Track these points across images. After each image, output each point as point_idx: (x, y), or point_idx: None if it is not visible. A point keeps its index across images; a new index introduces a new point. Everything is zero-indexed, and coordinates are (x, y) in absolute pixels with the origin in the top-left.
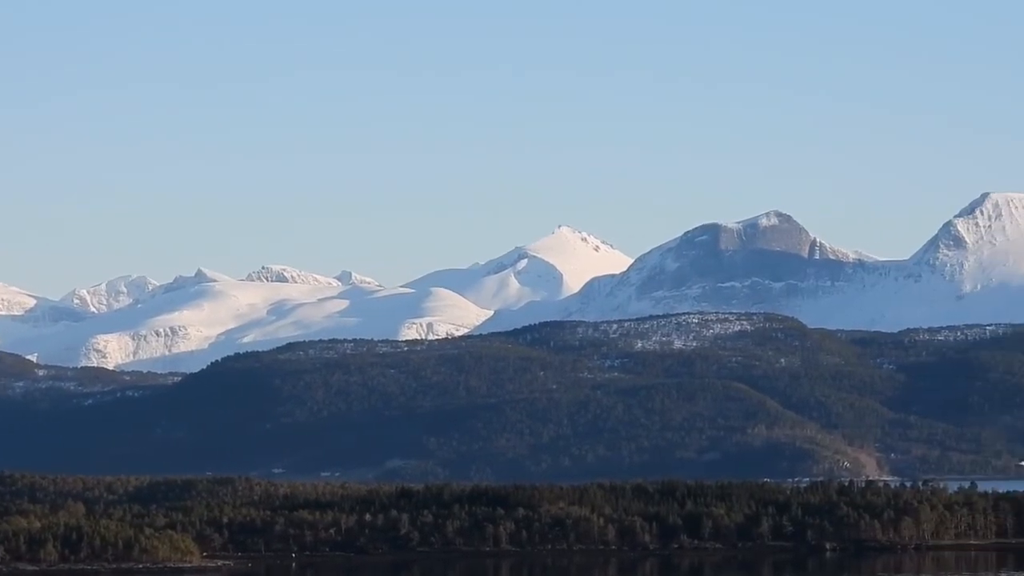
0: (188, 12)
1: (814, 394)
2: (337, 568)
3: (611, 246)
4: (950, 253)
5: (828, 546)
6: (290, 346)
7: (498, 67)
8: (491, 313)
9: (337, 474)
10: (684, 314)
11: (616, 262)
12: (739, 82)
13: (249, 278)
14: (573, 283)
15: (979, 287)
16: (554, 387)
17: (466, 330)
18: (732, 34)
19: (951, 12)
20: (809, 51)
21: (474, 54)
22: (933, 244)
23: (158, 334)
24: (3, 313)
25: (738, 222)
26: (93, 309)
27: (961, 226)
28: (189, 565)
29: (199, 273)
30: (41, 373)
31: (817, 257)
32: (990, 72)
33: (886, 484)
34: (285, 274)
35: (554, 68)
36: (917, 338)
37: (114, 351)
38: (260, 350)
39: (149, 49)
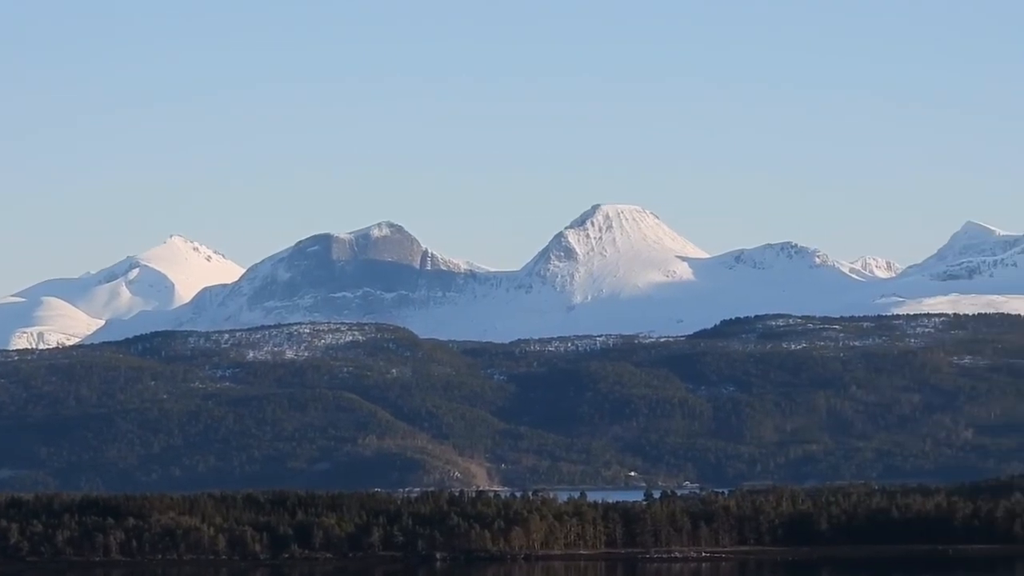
0: None
1: (425, 404)
2: None
3: (223, 256)
4: (561, 264)
5: (438, 556)
6: None
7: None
8: (102, 322)
9: None
10: (296, 324)
11: (228, 272)
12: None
13: None
14: (185, 293)
15: (589, 298)
16: (165, 397)
17: (77, 339)
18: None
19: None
20: (413, 67)
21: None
22: (544, 255)
23: None
24: None
25: (350, 232)
26: None
27: (572, 237)
28: None
29: None
30: None
31: (429, 268)
32: (595, 85)
33: (496, 494)
34: None
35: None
36: (528, 349)
37: None
38: None
39: None
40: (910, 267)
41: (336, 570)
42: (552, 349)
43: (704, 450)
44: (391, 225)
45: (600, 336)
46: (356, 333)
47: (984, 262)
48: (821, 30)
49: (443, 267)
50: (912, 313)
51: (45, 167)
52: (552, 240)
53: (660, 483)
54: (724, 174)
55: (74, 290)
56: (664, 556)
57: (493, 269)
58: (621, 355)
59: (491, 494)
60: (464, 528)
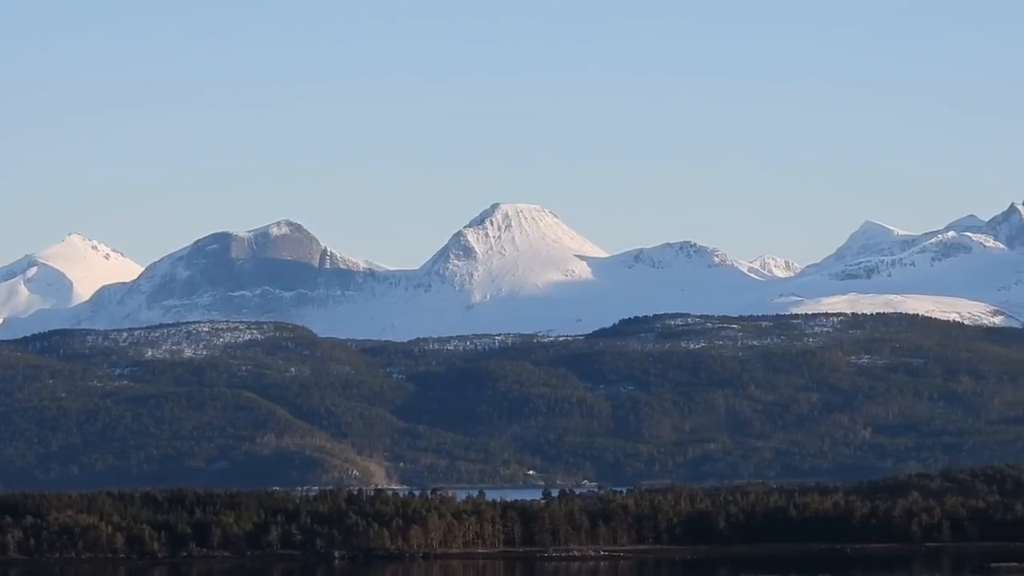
0: None
1: (324, 403)
2: None
3: (122, 254)
4: (460, 263)
5: (337, 554)
6: None
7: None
8: (0, 321)
9: None
10: (194, 323)
11: (127, 270)
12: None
13: None
14: (84, 291)
15: (488, 297)
16: (63, 395)
17: None
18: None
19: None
20: (331, 72)
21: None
22: (443, 254)
23: None
24: None
25: (249, 231)
26: None
27: (471, 236)
28: None
29: None
30: None
31: (328, 266)
32: (494, 83)
33: (395, 493)
34: None
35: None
36: (427, 348)
37: None
38: None
39: None
40: (809, 266)
41: (234, 568)
42: (451, 348)
43: (603, 449)
44: (290, 224)
45: (499, 335)
46: (255, 332)
47: (882, 261)
48: (716, 23)
49: (342, 266)
50: (810, 312)
51: None
52: (451, 239)
53: (559, 482)
54: (623, 173)
55: None
56: (562, 555)
57: (392, 268)
58: (520, 354)
59: (390, 493)
60: (363, 527)
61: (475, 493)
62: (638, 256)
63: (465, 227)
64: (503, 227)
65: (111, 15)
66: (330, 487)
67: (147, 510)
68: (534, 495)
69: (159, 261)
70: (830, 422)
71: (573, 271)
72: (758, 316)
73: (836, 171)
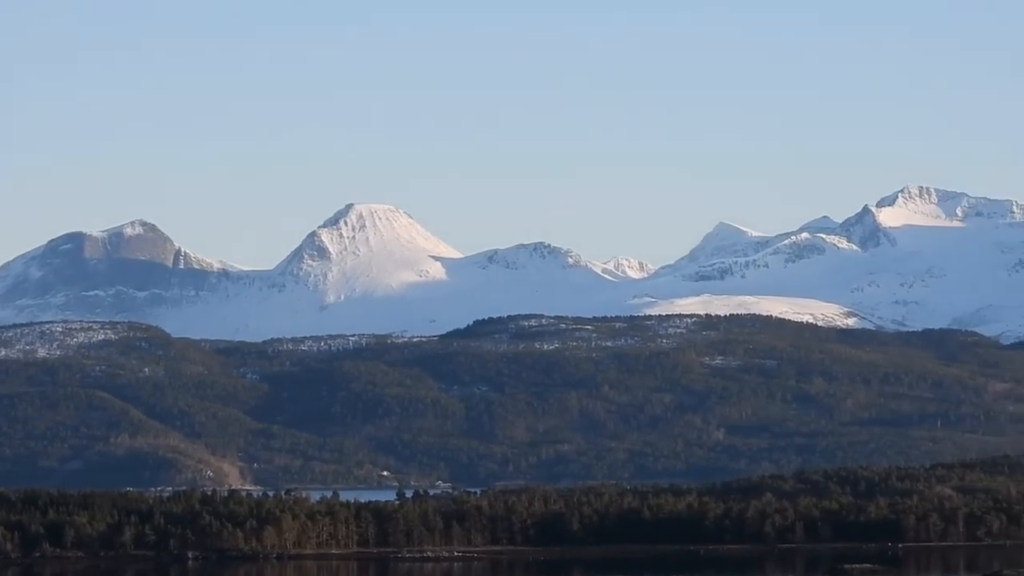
0: None
1: (178, 403)
2: None
3: None
4: (314, 264)
5: (191, 555)
6: None
7: None
8: None
9: None
10: (48, 323)
11: None
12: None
13: None
14: None
15: (342, 297)
16: None
17: None
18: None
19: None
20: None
21: None
22: (297, 254)
23: None
24: None
25: (103, 231)
26: None
27: (325, 237)
28: None
29: None
30: None
31: (182, 266)
32: (347, 84)
33: (249, 493)
34: None
35: None
36: (280, 348)
37: None
38: None
39: None
40: (662, 267)
41: (88, 569)
42: (305, 348)
43: (456, 450)
44: (144, 224)
45: (353, 335)
46: (108, 332)
47: (736, 263)
48: (565, 23)
49: (196, 266)
50: (664, 314)
51: None
52: (305, 239)
53: (412, 483)
54: (477, 174)
55: None
56: (416, 556)
57: (246, 268)
58: (374, 354)
59: (243, 493)
60: (216, 527)
61: (329, 494)
62: (492, 257)
63: (319, 227)
64: (357, 227)
65: None
66: (184, 488)
67: (0, 511)
68: (388, 496)
69: (12, 261)
70: (683, 423)
71: (427, 272)
72: (612, 317)
73: (690, 172)
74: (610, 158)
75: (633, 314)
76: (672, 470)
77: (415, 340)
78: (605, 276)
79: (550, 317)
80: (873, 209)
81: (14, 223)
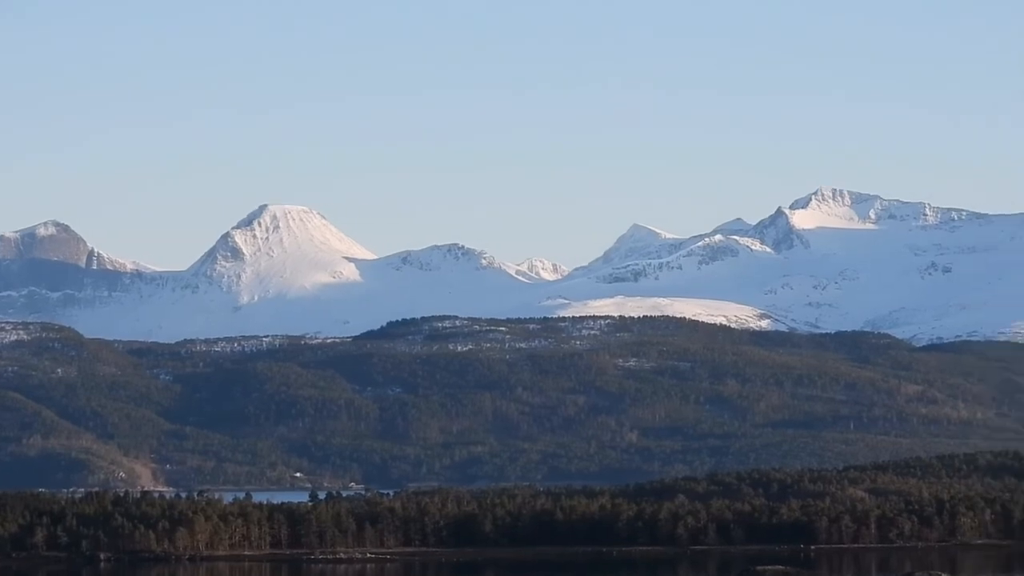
0: None
1: (90, 404)
2: None
3: None
4: (228, 264)
5: (103, 556)
6: None
7: None
8: None
9: None
10: None
11: None
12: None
13: None
14: None
15: (256, 298)
16: None
17: None
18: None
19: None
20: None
21: None
22: (211, 255)
23: None
24: None
25: (15, 231)
26: None
27: (239, 238)
28: None
29: None
30: None
31: (95, 267)
32: (262, 86)
33: (161, 495)
34: None
35: None
36: (194, 349)
37: None
38: None
39: None
40: (576, 269)
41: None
42: (218, 349)
43: (370, 451)
44: (57, 224)
45: (267, 336)
46: (21, 332)
47: (649, 265)
48: (490, 26)
49: (109, 267)
50: (578, 315)
51: None
52: (219, 240)
53: (325, 484)
54: (391, 175)
55: None
56: (329, 557)
57: (160, 269)
58: (287, 356)
59: (156, 495)
60: (128, 529)
61: (242, 495)
62: (406, 258)
63: (233, 228)
64: (271, 228)
65: None
66: (96, 489)
67: None
68: (301, 497)
69: None
70: (597, 425)
71: (341, 273)
72: (525, 319)
73: (603, 174)
74: (524, 159)
75: (547, 316)
76: (585, 472)
77: (329, 341)
78: (519, 278)
79: (464, 318)
80: (787, 211)
81: None
